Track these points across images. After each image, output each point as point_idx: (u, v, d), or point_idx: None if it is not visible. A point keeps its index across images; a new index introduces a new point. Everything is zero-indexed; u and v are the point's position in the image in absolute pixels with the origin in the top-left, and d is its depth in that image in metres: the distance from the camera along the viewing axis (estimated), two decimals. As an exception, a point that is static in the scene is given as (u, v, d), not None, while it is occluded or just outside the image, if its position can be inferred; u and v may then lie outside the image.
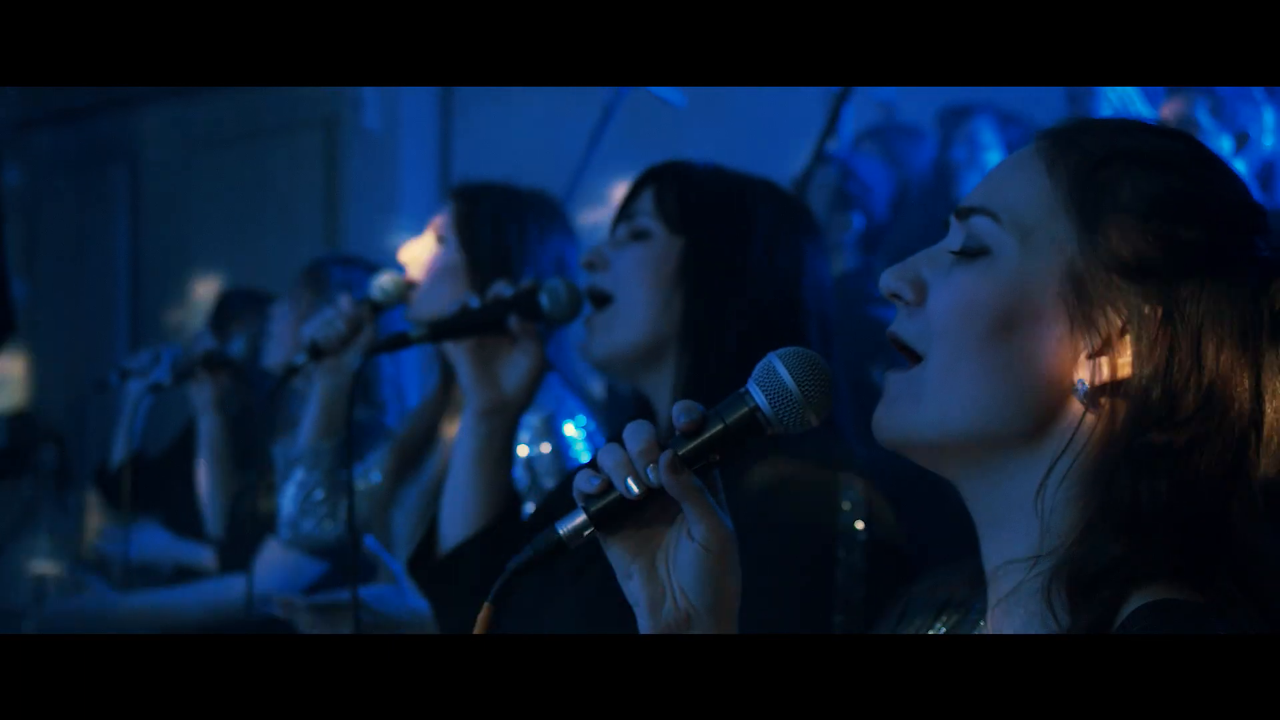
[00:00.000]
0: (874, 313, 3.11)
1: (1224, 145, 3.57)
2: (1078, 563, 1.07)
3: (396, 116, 6.35)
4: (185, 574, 3.58)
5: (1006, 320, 1.12)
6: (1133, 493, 1.07)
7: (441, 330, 1.96)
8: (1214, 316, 1.09)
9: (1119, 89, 4.04)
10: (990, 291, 1.13)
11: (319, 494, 2.57)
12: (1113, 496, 1.08)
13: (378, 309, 2.51)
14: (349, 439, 2.00)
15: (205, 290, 6.64)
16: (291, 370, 2.52)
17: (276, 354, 3.20)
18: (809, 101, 4.60)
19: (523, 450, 2.27)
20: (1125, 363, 1.09)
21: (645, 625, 1.17)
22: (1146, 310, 1.09)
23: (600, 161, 4.28)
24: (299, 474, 2.58)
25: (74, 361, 7.21)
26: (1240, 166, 3.58)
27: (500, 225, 2.47)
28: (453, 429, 2.53)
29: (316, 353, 2.48)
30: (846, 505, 1.70)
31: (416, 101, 6.32)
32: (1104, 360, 1.10)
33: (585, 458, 2.30)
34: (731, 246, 1.83)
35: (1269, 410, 1.09)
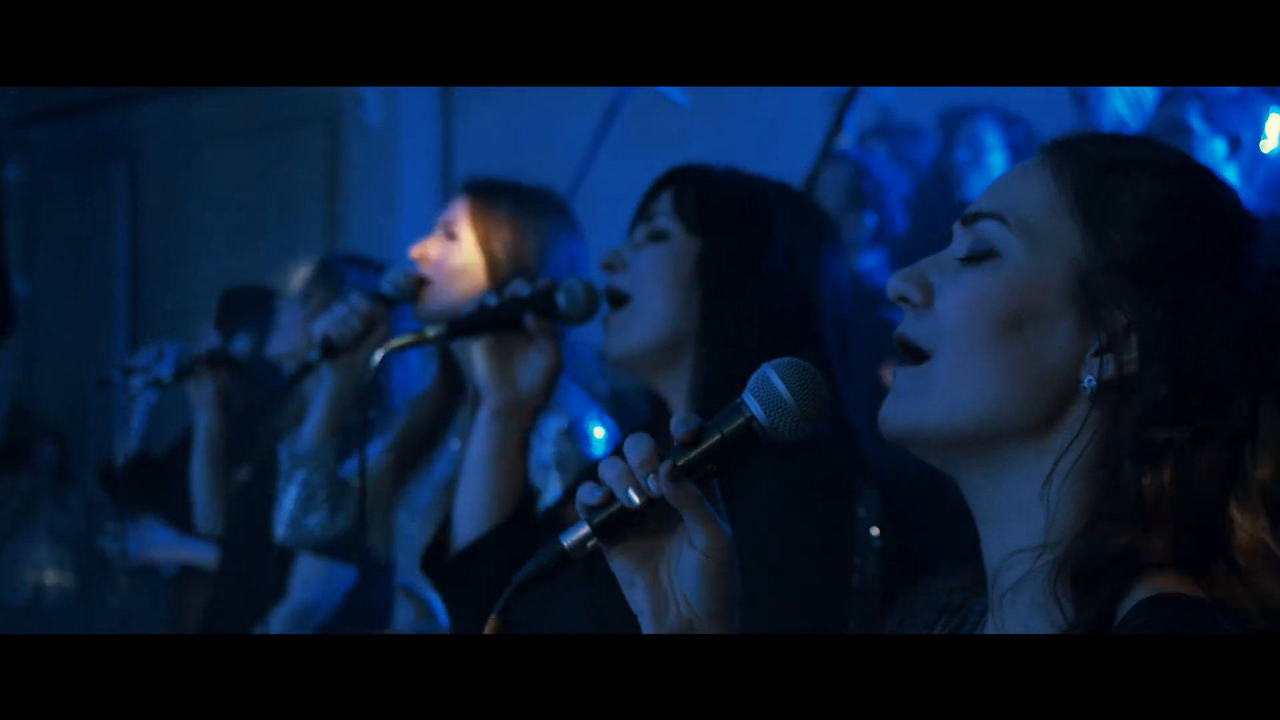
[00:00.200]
0: (887, 314, 3.11)
1: (1217, 149, 3.57)
2: (1081, 555, 1.10)
3: (397, 113, 6.35)
4: (190, 572, 3.57)
5: (1015, 318, 1.15)
6: (1136, 487, 1.11)
7: (459, 328, 1.96)
8: (1215, 318, 1.13)
9: (1125, 90, 4.05)
10: (999, 291, 1.16)
11: (321, 493, 2.57)
12: (1116, 491, 1.12)
13: (390, 305, 2.50)
14: (364, 428, 2.00)
15: (205, 287, 6.64)
16: (306, 367, 2.51)
17: (282, 345, 3.19)
18: (810, 101, 4.61)
19: (550, 458, 2.27)
20: (1131, 360, 1.13)
21: (650, 633, 1.20)
22: (1151, 310, 1.13)
23: (603, 160, 4.28)
24: (302, 473, 2.57)
25: (73, 358, 7.21)
26: (1233, 170, 3.59)
27: (517, 223, 2.46)
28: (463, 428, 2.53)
29: (330, 350, 2.46)
30: (862, 511, 1.70)
31: (417, 99, 6.31)
32: (1110, 357, 1.13)
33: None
34: (749, 248, 1.84)
35: (1265, 410, 1.13)
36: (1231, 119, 3.57)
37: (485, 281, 2.43)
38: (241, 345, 3.47)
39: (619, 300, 1.90)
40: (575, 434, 2.34)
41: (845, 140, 4.22)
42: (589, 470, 2.13)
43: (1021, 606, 1.13)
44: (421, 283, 2.48)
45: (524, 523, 1.97)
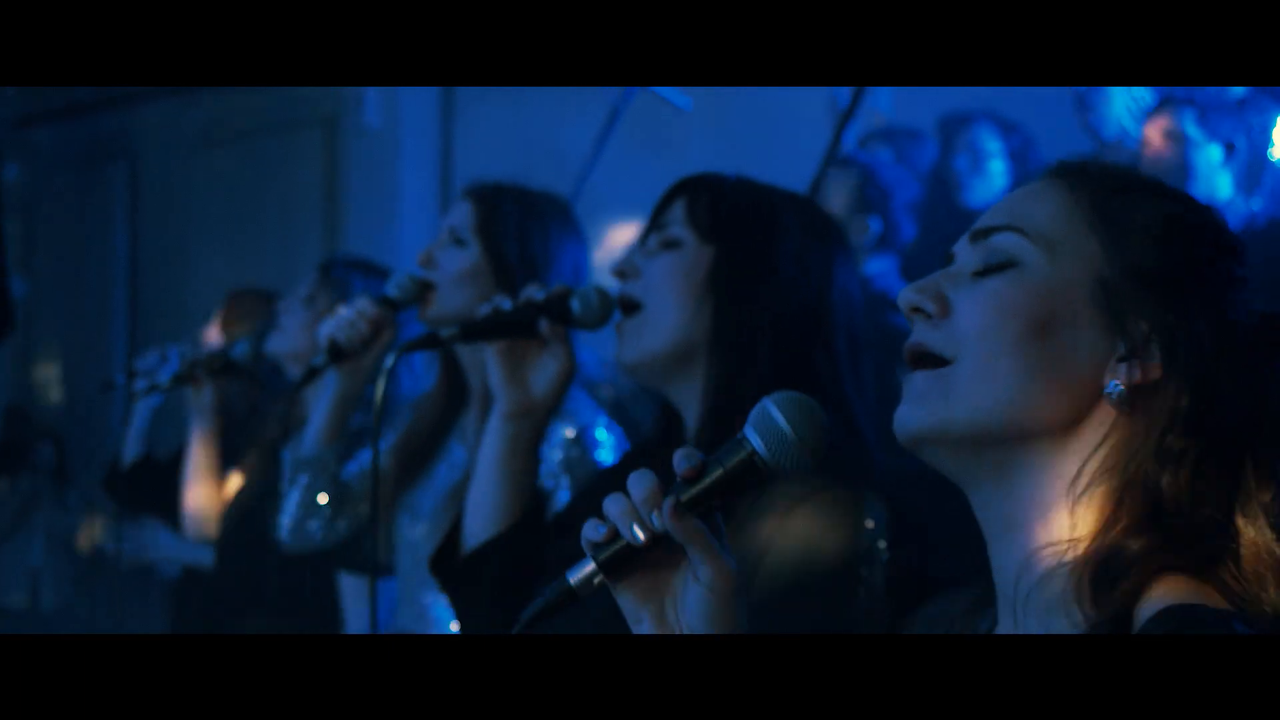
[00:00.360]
0: (893, 320, 3.11)
1: (1213, 155, 3.59)
2: (1100, 558, 1.12)
3: (397, 115, 6.35)
4: (193, 575, 3.57)
5: (1040, 324, 1.18)
6: (1155, 493, 1.13)
7: (473, 331, 1.96)
8: (1224, 330, 1.17)
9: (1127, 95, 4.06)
10: (1023, 297, 1.19)
11: (324, 498, 2.56)
12: (1135, 495, 1.14)
13: (396, 309, 2.49)
14: (377, 429, 2.00)
15: (204, 288, 6.64)
16: (312, 372, 2.50)
17: (283, 345, 3.18)
18: (812, 105, 4.62)
19: (559, 465, 2.27)
20: (1155, 365, 1.16)
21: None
22: (1170, 319, 1.16)
23: (604, 164, 4.28)
24: (305, 477, 2.57)
25: (72, 359, 7.21)
26: (1227, 176, 3.61)
27: (525, 228, 2.46)
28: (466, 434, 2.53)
29: (337, 354, 2.45)
30: (870, 523, 1.70)
31: (417, 100, 6.32)
32: (1136, 363, 1.16)
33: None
34: (762, 256, 1.85)
35: (1264, 427, 1.17)
36: (1226, 125, 3.59)
37: (491, 286, 2.43)
38: (242, 350, 3.47)
39: (632, 308, 1.91)
40: (583, 440, 2.34)
41: (845, 143, 4.21)
42: (595, 480, 2.14)
43: (1042, 607, 1.14)
44: (427, 287, 2.48)
45: (534, 525, 1.97)
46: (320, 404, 2.57)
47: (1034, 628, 1.14)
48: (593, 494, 2.04)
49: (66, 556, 6.23)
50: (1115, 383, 1.16)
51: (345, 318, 2.45)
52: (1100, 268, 1.18)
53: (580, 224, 2.61)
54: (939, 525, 1.66)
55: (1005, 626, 1.20)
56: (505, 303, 1.96)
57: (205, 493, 3.47)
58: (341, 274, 3.13)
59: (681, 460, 1.20)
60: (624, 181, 4.58)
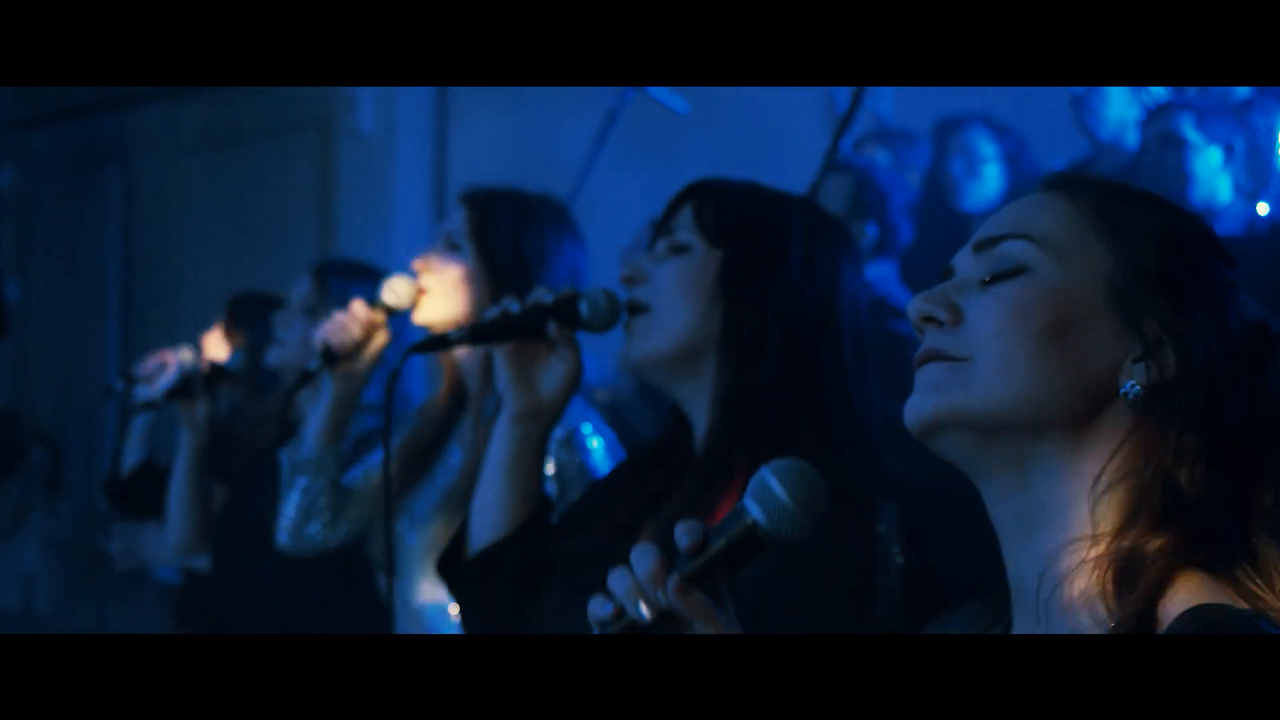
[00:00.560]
0: (892, 326, 3.12)
1: (1213, 158, 3.59)
2: (1121, 557, 1.13)
3: (391, 118, 6.35)
4: (195, 578, 3.56)
5: (1055, 328, 1.19)
6: (1174, 492, 1.15)
7: (481, 334, 1.97)
8: (1227, 329, 1.19)
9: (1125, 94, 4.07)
10: (1036, 302, 1.20)
11: (323, 500, 2.57)
12: (1154, 495, 1.15)
13: (390, 313, 2.51)
14: (387, 430, 2.00)
15: (198, 292, 6.63)
16: (306, 376, 2.51)
17: (283, 357, 3.18)
18: (809, 107, 4.62)
19: (549, 467, 2.28)
20: (1169, 365, 1.17)
21: None
22: (1180, 321, 1.18)
23: (601, 167, 4.29)
24: (304, 479, 2.57)
25: (66, 363, 7.20)
26: (1227, 179, 3.61)
27: (518, 232, 2.47)
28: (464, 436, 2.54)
29: (330, 358, 2.47)
30: (882, 528, 1.71)
31: (411, 103, 6.31)
32: (1152, 363, 1.18)
33: (606, 468, 2.31)
34: (770, 260, 1.86)
35: (1267, 430, 1.19)
36: (1225, 128, 3.59)
37: (485, 291, 2.45)
38: (236, 361, 3.47)
39: (641, 311, 1.92)
40: (574, 443, 2.34)
41: (842, 146, 4.21)
42: (599, 482, 2.15)
43: (1065, 606, 1.15)
44: (421, 291, 2.49)
45: (541, 528, 1.98)
46: (317, 407, 2.58)
47: (1058, 626, 1.15)
48: (595, 496, 2.05)
49: (60, 560, 6.22)
50: (1131, 383, 1.17)
51: (337, 322, 2.46)
52: (1109, 271, 1.20)
53: (578, 225, 2.61)
54: (944, 527, 1.66)
55: (1025, 626, 1.20)
56: (514, 305, 1.96)
57: (196, 505, 3.46)
58: (339, 284, 3.13)
59: (683, 535, 1.21)
60: (620, 185, 4.59)
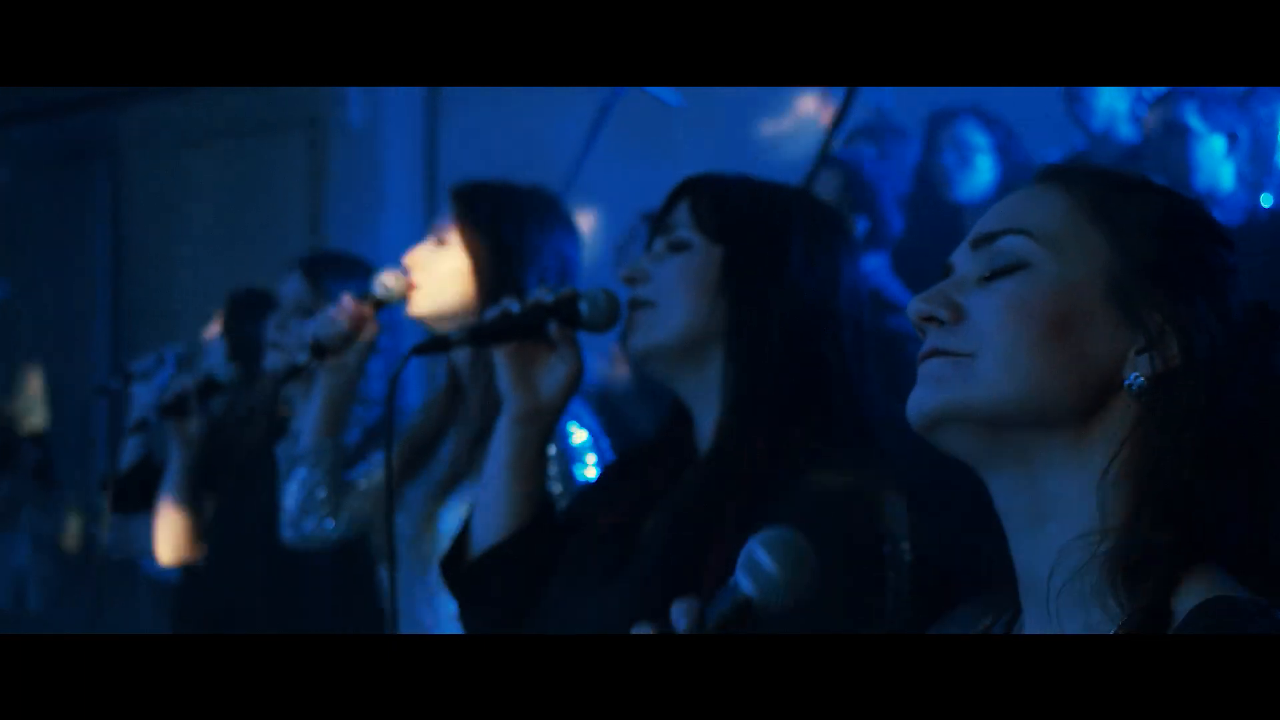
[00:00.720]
0: (886, 320, 3.12)
1: (1216, 146, 3.58)
2: (1131, 550, 1.13)
3: (381, 114, 6.33)
4: (192, 575, 3.55)
5: (1057, 323, 1.19)
6: (1182, 483, 1.14)
7: (482, 334, 1.97)
8: (1228, 316, 1.19)
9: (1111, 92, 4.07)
10: (1037, 298, 1.20)
11: (321, 492, 2.57)
12: (1161, 485, 1.15)
13: (379, 306, 2.52)
14: (389, 427, 2.00)
15: (188, 289, 6.62)
16: (295, 370, 2.52)
17: (282, 363, 3.17)
18: (803, 101, 4.62)
19: None
20: (1174, 355, 1.17)
21: None
22: (1182, 310, 1.18)
23: (593, 160, 4.28)
24: (301, 472, 2.58)
25: (55, 360, 7.18)
26: (1230, 167, 3.60)
27: (499, 224, 2.49)
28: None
29: (320, 351, 2.49)
30: (891, 525, 1.71)
31: (402, 99, 6.29)
32: (1156, 354, 1.17)
33: (589, 466, 2.31)
34: (771, 253, 1.87)
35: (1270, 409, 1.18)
36: (1229, 116, 3.58)
37: (474, 283, 2.46)
38: (227, 372, 3.46)
39: (643, 307, 1.92)
40: (557, 439, 2.34)
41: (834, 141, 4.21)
42: (595, 479, 2.14)
43: (1076, 599, 1.15)
44: (410, 286, 2.51)
45: (543, 529, 1.98)
46: (311, 401, 2.58)
47: (1068, 620, 1.15)
48: (594, 492, 2.04)
49: (52, 557, 6.21)
50: (1135, 375, 1.17)
51: (325, 316, 2.48)
52: (1109, 263, 1.20)
53: (571, 214, 2.62)
54: (950, 521, 1.66)
55: (1035, 620, 1.20)
56: (514, 305, 1.96)
57: (181, 521, 3.46)
58: (333, 283, 3.13)
59: (680, 617, 1.22)
60: (613, 178, 4.58)
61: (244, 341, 3.57)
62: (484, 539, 1.98)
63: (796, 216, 1.89)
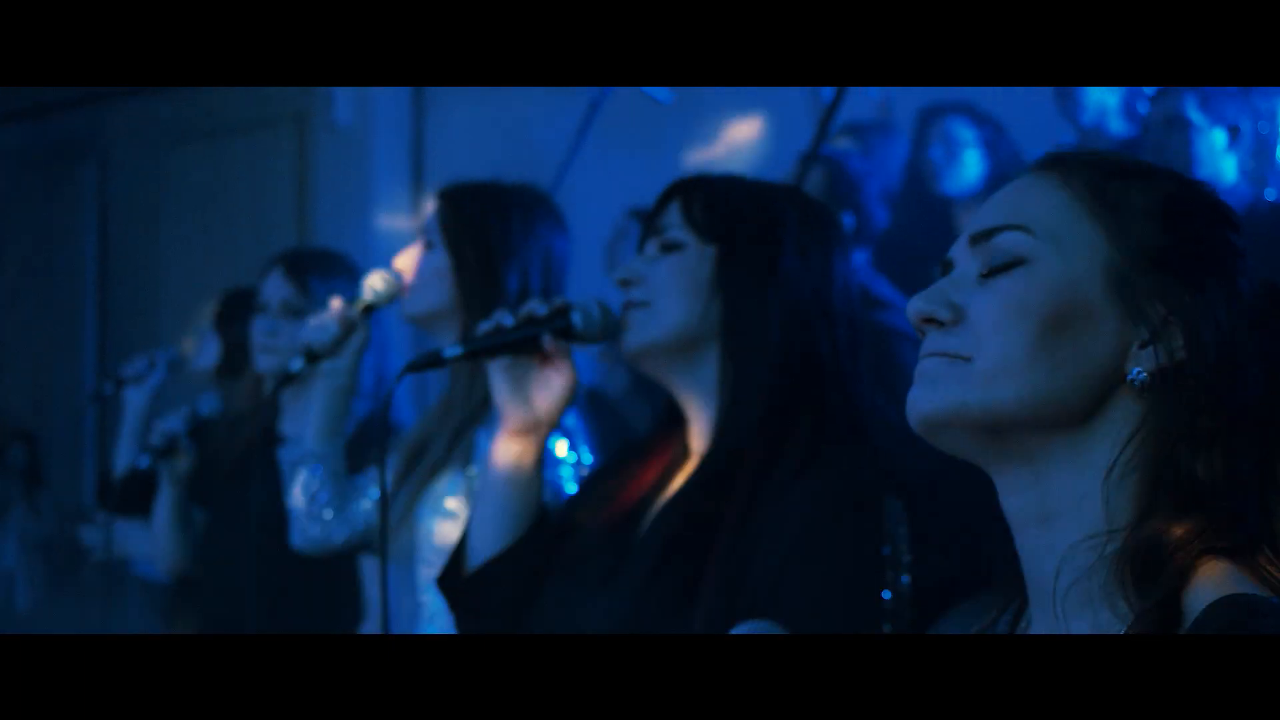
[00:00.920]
0: (877, 317, 3.12)
1: (1218, 139, 3.57)
2: (1141, 547, 1.11)
3: (368, 112, 6.32)
4: (186, 579, 3.55)
5: (1058, 320, 1.17)
6: (1191, 478, 1.13)
7: (476, 349, 1.96)
8: (1236, 300, 1.17)
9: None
10: (1037, 295, 1.18)
11: (324, 496, 2.57)
12: (1169, 480, 1.14)
13: (369, 309, 2.53)
14: (384, 446, 1.99)
15: (175, 288, 6.60)
16: (289, 377, 2.52)
17: (276, 364, 3.17)
18: (793, 98, 4.61)
19: None
20: (1179, 348, 1.15)
21: None
22: (1186, 299, 1.16)
23: (581, 159, 4.27)
24: (303, 473, 2.58)
25: (42, 360, 7.15)
26: (1232, 160, 3.59)
27: (482, 222, 2.49)
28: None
29: (312, 356, 2.49)
30: (889, 526, 1.71)
31: (388, 97, 6.29)
32: (1160, 348, 1.16)
33: (571, 483, 2.31)
34: (764, 252, 1.87)
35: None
36: (1230, 109, 3.56)
37: (460, 283, 2.48)
38: (211, 406, 3.45)
39: (638, 307, 1.93)
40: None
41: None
42: (589, 476, 2.14)
43: (1085, 599, 1.14)
44: (400, 287, 2.52)
45: (540, 541, 1.98)
46: (309, 405, 2.59)
47: (1076, 620, 1.13)
48: (589, 491, 2.05)
49: (40, 558, 6.19)
50: (1139, 369, 1.16)
51: (316, 320, 2.49)
52: (1109, 256, 1.18)
53: (559, 211, 2.62)
54: (949, 520, 1.66)
55: (1043, 620, 1.19)
56: (507, 318, 1.96)
57: (177, 541, 3.45)
58: (320, 285, 3.12)
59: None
60: (603, 175, 4.58)
61: (236, 341, 3.56)
62: (482, 551, 1.99)
63: (788, 214, 1.90)
